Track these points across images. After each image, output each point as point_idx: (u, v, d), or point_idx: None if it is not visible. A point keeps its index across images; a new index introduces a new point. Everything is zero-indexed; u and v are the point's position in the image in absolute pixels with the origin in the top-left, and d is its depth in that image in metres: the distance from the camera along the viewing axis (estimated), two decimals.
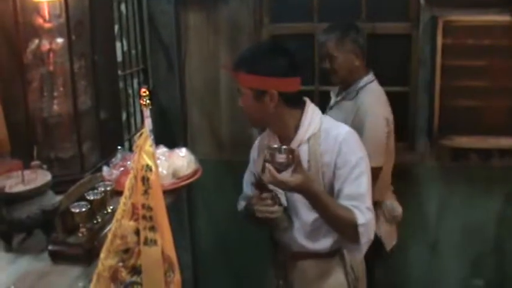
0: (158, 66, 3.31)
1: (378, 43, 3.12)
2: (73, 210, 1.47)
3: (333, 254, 2.00)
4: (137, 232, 1.15)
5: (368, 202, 1.84)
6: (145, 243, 1.13)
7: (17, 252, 1.52)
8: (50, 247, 1.47)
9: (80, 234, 1.49)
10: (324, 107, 2.64)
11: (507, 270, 3.33)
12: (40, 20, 1.88)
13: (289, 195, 1.92)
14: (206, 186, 3.33)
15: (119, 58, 2.75)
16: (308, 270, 2.01)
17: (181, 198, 3.40)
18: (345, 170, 1.84)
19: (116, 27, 2.73)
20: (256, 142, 2.16)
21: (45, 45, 1.89)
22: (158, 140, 1.65)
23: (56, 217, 1.46)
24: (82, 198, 1.54)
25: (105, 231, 1.50)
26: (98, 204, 1.56)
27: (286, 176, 1.70)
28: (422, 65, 3.15)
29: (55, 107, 1.95)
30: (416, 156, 3.26)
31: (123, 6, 2.94)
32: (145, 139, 1.13)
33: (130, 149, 2.53)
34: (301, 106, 1.93)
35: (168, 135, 3.30)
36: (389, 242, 2.72)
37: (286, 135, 1.93)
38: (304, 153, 1.85)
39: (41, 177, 1.56)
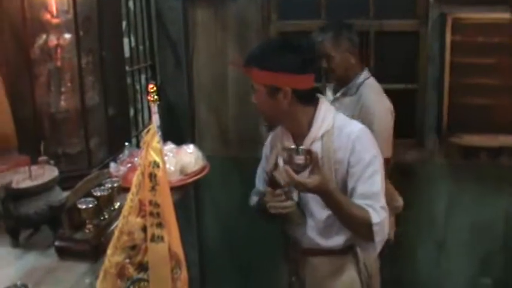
0: (166, 62, 3.32)
1: (385, 40, 3.10)
2: (80, 206, 1.46)
3: (346, 251, 1.99)
4: (144, 229, 1.14)
5: (382, 201, 1.82)
6: (152, 239, 1.12)
7: (24, 248, 1.52)
8: (56, 243, 1.46)
9: (87, 231, 1.48)
10: None
11: None
12: (48, 16, 1.87)
13: (301, 193, 1.92)
14: (213, 182, 3.33)
15: (127, 54, 2.76)
16: (320, 266, 2.01)
17: (189, 194, 3.40)
18: (359, 169, 1.83)
19: (124, 23, 2.73)
20: (269, 139, 2.14)
21: (53, 40, 1.88)
22: (166, 137, 1.65)
23: (62, 213, 1.46)
24: (89, 194, 1.53)
25: (112, 227, 1.49)
26: (105, 201, 1.55)
27: (304, 177, 1.69)
28: (431, 62, 3.13)
29: (62, 103, 1.94)
30: (425, 154, 3.25)
31: (131, 2, 2.95)
32: (152, 135, 1.13)
33: (138, 145, 2.53)
34: (314, 103, 1.91)
35: (176, 132, 3.30)
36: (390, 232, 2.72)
37: (299, 132, 1.92)
38: (317, 150, 1.83)
39: (48, 172, 1.56)
